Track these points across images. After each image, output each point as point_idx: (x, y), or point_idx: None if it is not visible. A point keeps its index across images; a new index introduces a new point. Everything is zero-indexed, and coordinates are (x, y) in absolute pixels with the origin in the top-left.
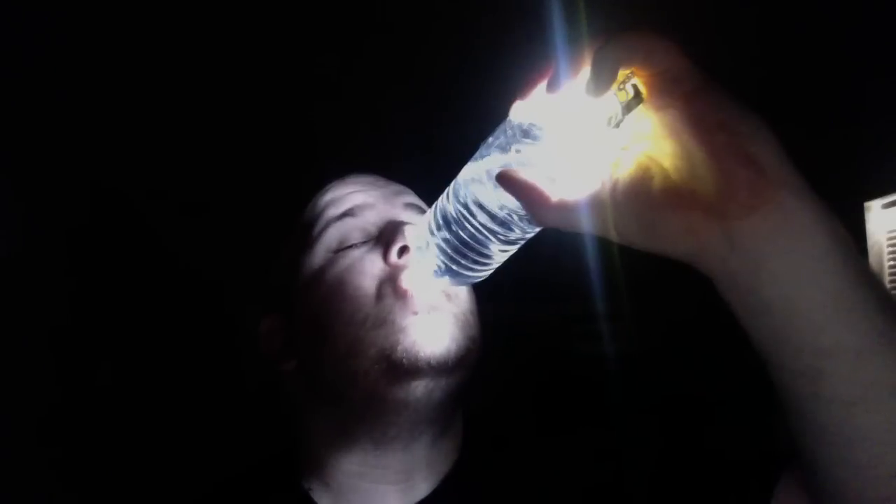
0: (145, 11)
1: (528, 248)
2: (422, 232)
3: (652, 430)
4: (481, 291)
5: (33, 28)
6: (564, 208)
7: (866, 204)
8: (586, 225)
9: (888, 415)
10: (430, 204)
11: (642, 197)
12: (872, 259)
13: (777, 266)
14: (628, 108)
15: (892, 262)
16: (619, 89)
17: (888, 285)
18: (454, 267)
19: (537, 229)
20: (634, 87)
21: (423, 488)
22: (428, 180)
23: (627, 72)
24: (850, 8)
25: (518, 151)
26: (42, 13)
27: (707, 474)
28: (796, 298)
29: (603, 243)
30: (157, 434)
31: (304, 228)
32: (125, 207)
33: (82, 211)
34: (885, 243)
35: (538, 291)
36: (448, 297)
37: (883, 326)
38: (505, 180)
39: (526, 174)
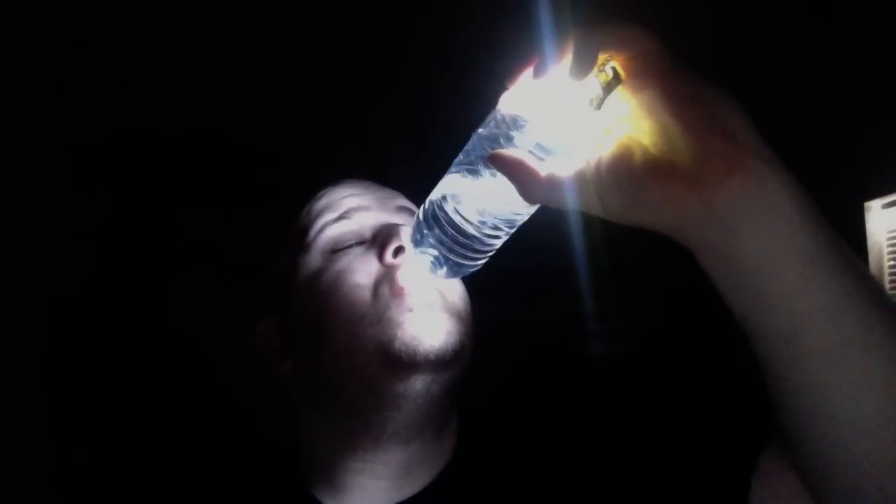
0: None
1: (522, 248)
2: (416, 229)
3: (640, 422)
4: (474, 290)
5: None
6: (552, 184)
7: (866, 204)
8: (572, 200)
9: (861, 372)
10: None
11: (624, 171)
12: (872, 259)
13: (752, 231)
14: (608, 88)
15: (892, 262)
16: (600, 71)
17: (888, 285)
18: (452, 257)
19: (527, 214)
20: (613, 69)
21: (422, 482)
22: (420, 182)
23: (606, 56)
24: (851, 8)
25: (508, 138)
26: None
27: (691, 451)
28: (771, 262)
29: (594, 244)
30: (158, 435)
31: (300, 233)
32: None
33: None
34: (885, 243)
35: (530, 290)
36: (442, 294)
37: (852, 287)
38: (496, 159)
39: (516, 154)
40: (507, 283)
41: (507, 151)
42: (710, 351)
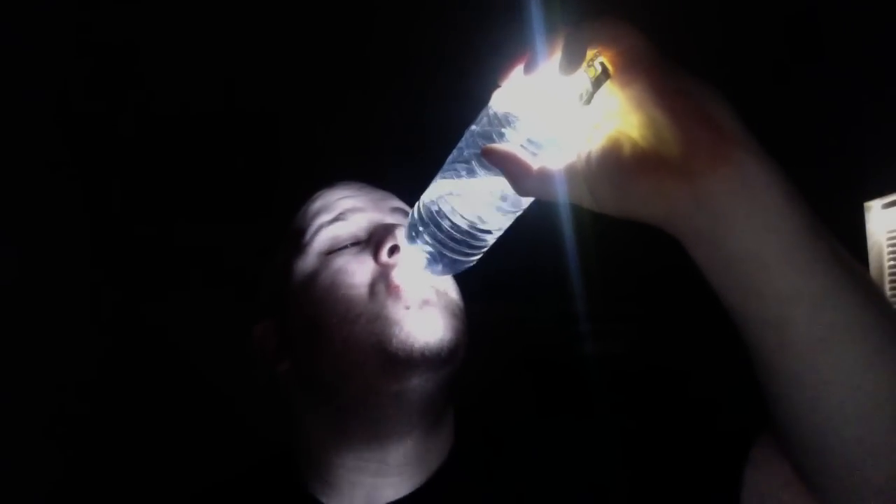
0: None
1: (519, 248)
2: (411, 227)
3: (634, 417)
4: (471, 290)
5: None
6: (544, 177)
7: (866, 204)
8: (564, 193)
9: (847, 357)
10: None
11: (614, 164)
12: (872, 259)
13: (739, 219)
14: (597, 83)
15: (892, 262)
16: (588, 67)
17: (888, 285)
18: (447, 254)
19: (520, 209)
20: (602, 64)
21: (418, 480)
22: (415, 182)
23: (595, 52)
24: (852, 9)
25: (500, 134)
26: None
27: (684, 443)
28: (758, 249)
29: (588, 244)
30: (157, 435)
31: (296, 234)
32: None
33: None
34: (885, 243)
35: (526, 290)
36: (437, 292)
37: (837, 273)
38: (489, 154)
39: (508, 148)
40: (503, 283)
41: (500, 146)
42: (702, 346)
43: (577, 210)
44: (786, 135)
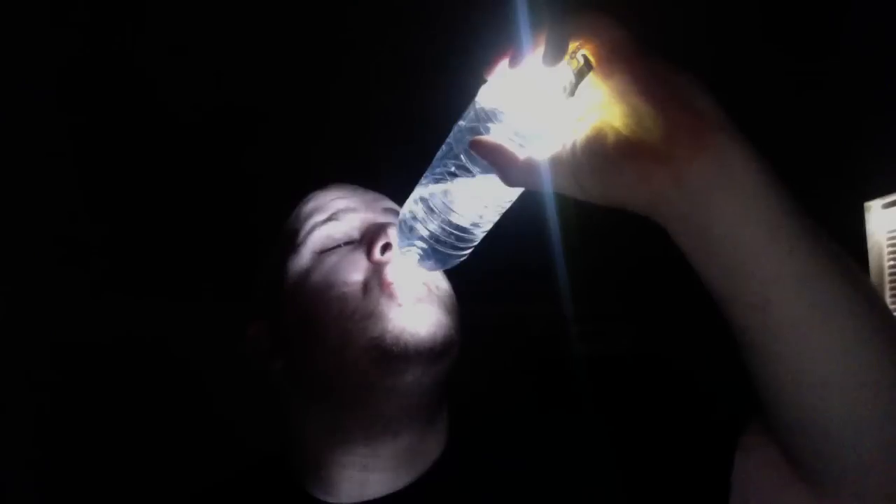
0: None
1: (515, 246)
2: (402, 224)
3: (626, 410)
4: (466, 288)
5: None
6: (530, 167)
7: (866, 204)
8: (550, 182)
9: (829, 336)
10: None
11: (599, 152)
12: (872, 259)
13: (721, 203)
14: (580, 74)
15: (892, 262)
16: (571, 59)
17: (888, 286)
18: (439, 248)
19: (510, 201)
20: (584, 56)
21: (413, 475)
22: (406, 184)
23: (577, 44)
24: (852, 8)
25: (487, 128)
26: None
27: (675, 432)
28: (741, 231)
29: (579, 245)
30: (153, 437)
31: (289, 235)
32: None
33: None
34: (885, 243)
35: (521, 288)
36: (430, 288)
37: (818, 254)
38: (477, 146)
39: (495, 139)
40: (499, 281)
41: (487, 138)
42: (692, 337)
43: (570, 209)
44: (787, 135)
